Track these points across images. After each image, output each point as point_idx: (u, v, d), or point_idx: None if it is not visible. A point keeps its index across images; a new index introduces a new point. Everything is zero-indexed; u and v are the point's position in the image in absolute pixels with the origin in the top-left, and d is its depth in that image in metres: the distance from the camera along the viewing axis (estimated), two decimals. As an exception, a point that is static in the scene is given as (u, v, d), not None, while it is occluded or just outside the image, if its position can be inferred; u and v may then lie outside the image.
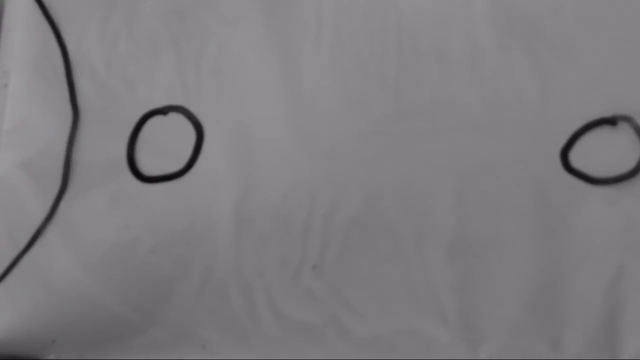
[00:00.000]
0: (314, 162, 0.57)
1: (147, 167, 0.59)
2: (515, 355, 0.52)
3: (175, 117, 0.59)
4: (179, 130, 0.59)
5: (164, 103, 0.59)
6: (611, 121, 0.53)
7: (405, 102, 0.57)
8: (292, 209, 0.56)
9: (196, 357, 0.55)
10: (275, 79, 0.59)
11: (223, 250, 0.56)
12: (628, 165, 0.52)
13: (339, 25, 0.59)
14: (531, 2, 0.56)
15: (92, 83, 0.61)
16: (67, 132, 0.59)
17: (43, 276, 0.58)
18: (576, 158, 0.53)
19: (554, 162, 0.54)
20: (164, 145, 0.59)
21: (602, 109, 0.53)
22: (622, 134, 0.53)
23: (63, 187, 0.59)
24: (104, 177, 0.59)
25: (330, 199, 0.56)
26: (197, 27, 0.60)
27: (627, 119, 0.53)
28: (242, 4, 0.60)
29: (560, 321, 0.52)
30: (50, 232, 0.58)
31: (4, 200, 0.59)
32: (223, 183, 0.57)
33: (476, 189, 0.54)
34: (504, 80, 0.55)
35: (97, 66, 0.61)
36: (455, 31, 0.57)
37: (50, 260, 0.58)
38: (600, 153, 0.53)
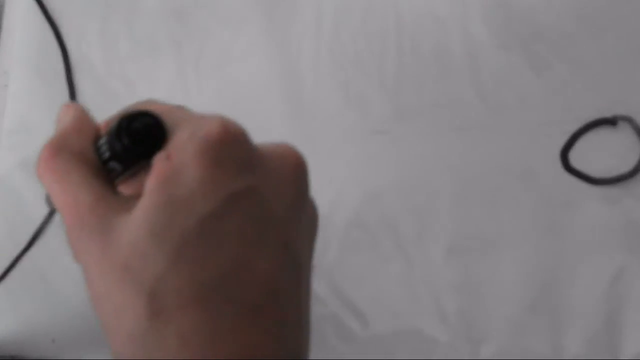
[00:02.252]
0: (314, 162, 0.57)
1: (147, 167, 0.59)
2: (515, 356, 0.52)
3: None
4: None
5: (164, 103, 0.59)
6: (611, 121, 0.53)
7: (405, 102, 0.57)
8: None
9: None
10: (275, 78, 0.59)
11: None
12: (628, 165, 0.52)
13: (339, 25, 0.59)
14: (531, 2, 0.56)
15: (92, 83, 0.61)
16: (67, 132, 0.59)
17: (43, 276, 0.58)
18: (576, 158, 0.53)
19: (554, 162, 0.54)
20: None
21: (602, 109, 0.53)
22: (622, 134, 0.53)
23: (63, 187, 0.59)
24: (104, 177, 0.59)
25: (330, 198, 0.56)
26: (197, 27, 0.60)
27: (627, 119, 0.53)
28: (242, 4, 0.60)
29: (561, 321, 0.52)
30: (50, 232, 0.58)
31: (4, 200, 0.59)
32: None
33: (476, 188, 0.54)
34: (504, 80, 0.55)
35: (97, 66, 0.61)
36: (455, 31, 0.57)
37: (50, 260, 0.58)
38: (600, 153, 0.53)
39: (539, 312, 0.52)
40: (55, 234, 0.58)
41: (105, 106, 0.63)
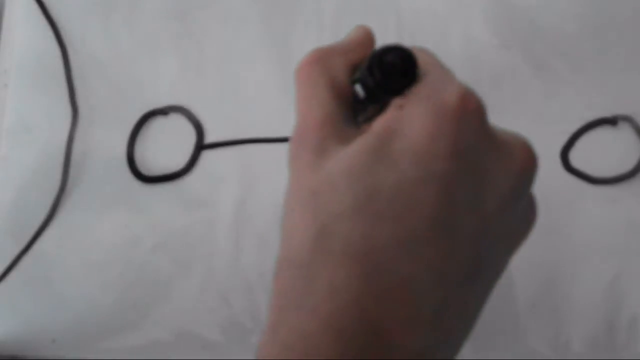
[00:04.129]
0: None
1: (147, 167, 0.59)
2: (515, 355, 0.52)
3: (175, 117, 0.59)
4: (179, 130, 0.59)
5: (164, 103, 0.59)
6: (611, 121, 0.53)
7: (405, 102, 0.57)
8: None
9: (196, 357, 0.55)
10: (275, 78, 0.59)
11: (223, 250, 0.56)
12: (628, 165, 0.52)
13: (339, 26, 0.59)
14: (531, 2, 0.56)
15: (92, 83, 0.61)
16: (67, 132, 0.59)
17: (43, 276, 0.58)
18: (576, 158, 0.53)
19: (554, 162, 0.54)
20: (164, 145, 0.59)
21: (602, 109, 0.53)
22: (622, 134, 0.53)
23: (63, 187, 0.59)
24: (104, 177, 0.59)
25: (330, 199, 0.56)
26: (197, 27, 0.60)
27: (627, 119, 0.53)
28: (242, 4, 0.60)
29: (561, 321, 0.52)
30: (50, 232, 0.58)
31: (4, 200, 0.59)
32: (223, 183, 0.58)
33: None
34: (504, 80, 0.55)
35: (98, 66, 0.61)
36: (455, 31, 0.57)
37: (50, 260, 0.58)
38: (600, 153, 0.53)
39: (539, 312, 0.52)
40: (55, 234, 0.58)
41: (105, 106, 0.63)
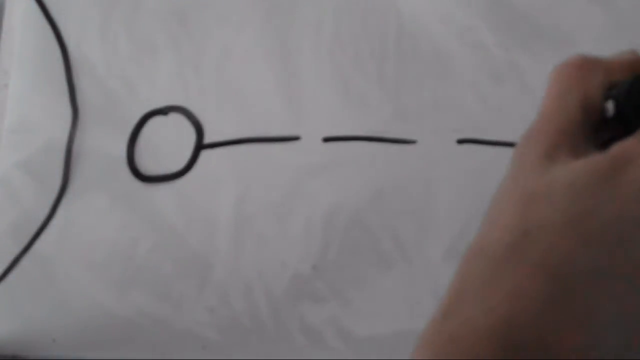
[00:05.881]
0: (314, 162, 0.57)
1: (147, 167, 0.59)
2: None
3: (175, 117, 0.59)
4: (179, 130, 0.59)
5: (164, 103, 0.59)
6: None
7: (405, 102, 0.57)
8: (291, 209, 0.56)
9: (196, 357, 0.55)
10: (275, 79, 0.59)
11: (223, 250, 0.56)
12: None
13: (339, 26, 0.59)
14: (531, 2, 0.56)
15: (92, 83, 0.61)
16: (67, 132, 0.59)
17: (43, 276, 0.58)
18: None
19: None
20: (164, 145, 0.59)
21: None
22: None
23: (63, 187, 0.59)
24: (104, 177, 0.59)
25: (330, 199, 0.56)
26: (197, 28, 0.60)
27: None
28: (242, 4, 0.60)
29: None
30: (51, 232, 0.58)
31: (5, 200, 0.59)
32: (223, 183, 0.58)
33: (476, 189, 0.54)
34: (504, 80, 0.55)
35: (97, 66, 0.61)
36: (455, 31, 0.57)
37: (50, 260, 0.58)
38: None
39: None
40: (55, 234, 0.58)
41: (105, 106, 0.63)
